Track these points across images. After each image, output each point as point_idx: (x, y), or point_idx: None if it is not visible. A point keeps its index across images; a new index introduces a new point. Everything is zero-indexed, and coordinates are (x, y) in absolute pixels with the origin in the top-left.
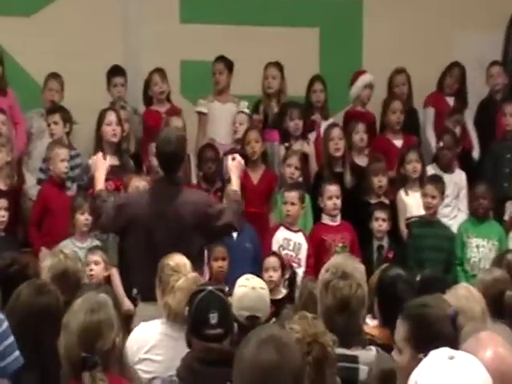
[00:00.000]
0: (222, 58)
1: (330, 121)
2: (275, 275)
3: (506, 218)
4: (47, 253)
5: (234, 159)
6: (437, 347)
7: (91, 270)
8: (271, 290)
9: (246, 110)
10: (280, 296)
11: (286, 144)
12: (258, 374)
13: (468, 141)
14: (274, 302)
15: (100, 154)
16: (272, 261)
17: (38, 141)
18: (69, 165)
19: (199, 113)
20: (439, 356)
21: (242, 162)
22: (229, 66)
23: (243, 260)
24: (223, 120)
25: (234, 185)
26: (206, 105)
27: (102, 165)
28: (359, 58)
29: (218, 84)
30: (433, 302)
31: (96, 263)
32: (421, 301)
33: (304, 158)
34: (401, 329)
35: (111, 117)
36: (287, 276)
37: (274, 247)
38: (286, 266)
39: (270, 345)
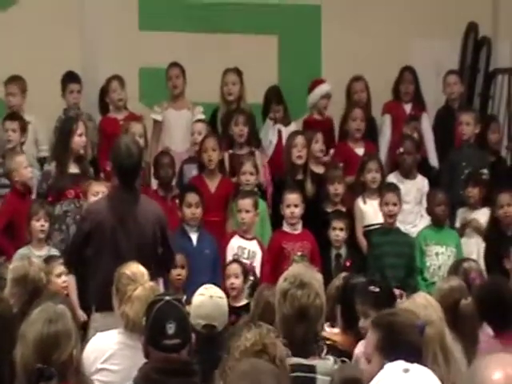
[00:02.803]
0: (176, 64)
1: (292, 126)
2: (237, 282)
3: (458, 224)
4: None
5: None
6: (405, 356)
7: (64, 281)
8: (234, 297)
9: (202, 116)
10: (241, 303)
11: (230, 151)
12: None
13: (424, 149)
14: (235, 308)
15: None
16: (234, 267)
17: None
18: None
19: (154, 120)
20: (394, 369)
21: None
22: (183, 71)
23: (203, 266)
24: (178, 127)
25: None
26: (161, 112)
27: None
28: (318, 66)
29: (175, 88)
30: (402, 312)
31: (59, 276)
32: (391, 310)
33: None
34: (371, 337)
35: (82, 128)
36: (250, 283)
37: (229, 255)
38: (248, 272)
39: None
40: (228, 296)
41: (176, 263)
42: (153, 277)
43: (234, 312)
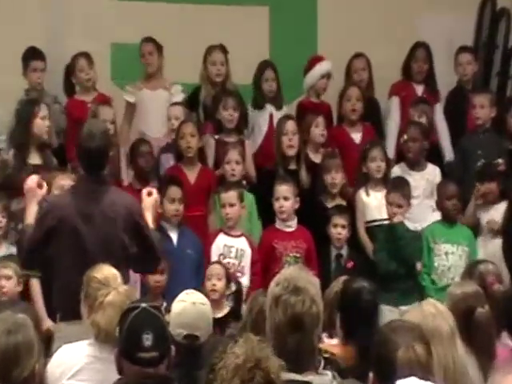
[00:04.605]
0: (149, 39)
1: (284, 111)
2: (219, 284)
3: (484, 222)
4: None
5: (149, 194)
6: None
7: (2, 286)
8: (214, 304)
9: (181, 95)
10: (223, 313)
11: (217, 136)
12: None
13: (435, 135)
14: (217, 320)
15: (35, 180)
16: (216, 268)
17: None
18: None
19: (127, 102)
20: None
21: (159, 198)
22: (158, 47)
23: (184, 268)
24: (154, 110)
25: (150, 224)
26: (134, 93)
27: (36, 196)
28: (314, 41)
29: (148, 66)
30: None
31: (7, 278)
32: (392, 324)
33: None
34: None
35: (45, 111)
36: (233, 289)
37: (214, 256)
38: (230, 277)
39: None
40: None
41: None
42: (125, 281)
43: (216, 324)
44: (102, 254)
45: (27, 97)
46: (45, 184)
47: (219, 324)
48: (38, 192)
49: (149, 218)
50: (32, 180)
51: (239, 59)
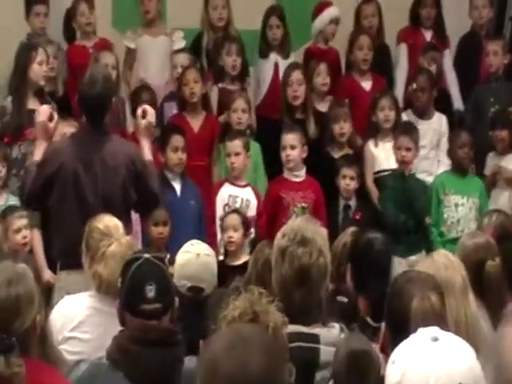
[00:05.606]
0: None
1: (291, 59)
2: (236, 235)
3: (487, 172)
4: None
5: (143, 116)
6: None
7: (25, 237)
8: (232, 254)
9: (183, 42)
10: (241, 261)
11: (220, 85)
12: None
13: (444, 81)
14: (234, 268)
15: (47, 111)
16: (232, 218)
17: None
18: None
19: (127, 48)
20: (422, 337)
21: (154, 119)
22: None
23: (188, 220)
24: (154, 57)
25: (146, 154)
26: (135, 39)
27: (47, 131)
28: None
29: (148, 13)
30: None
31: (26, 228)
32: (408, 275)
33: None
34: None
35: (43, 55)
36: (251, 238)
37: (219, 206)
38: (249, 225)
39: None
40: (226, 252)
41: (157, 220)
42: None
43: (232, 272)
44: (102, 204)
45: (28, 41)
46: (56, 116)
47: (238, 272)
48: (49, 126)
49: (145, 145)
50: (44, 111)
51: (245, 4)
